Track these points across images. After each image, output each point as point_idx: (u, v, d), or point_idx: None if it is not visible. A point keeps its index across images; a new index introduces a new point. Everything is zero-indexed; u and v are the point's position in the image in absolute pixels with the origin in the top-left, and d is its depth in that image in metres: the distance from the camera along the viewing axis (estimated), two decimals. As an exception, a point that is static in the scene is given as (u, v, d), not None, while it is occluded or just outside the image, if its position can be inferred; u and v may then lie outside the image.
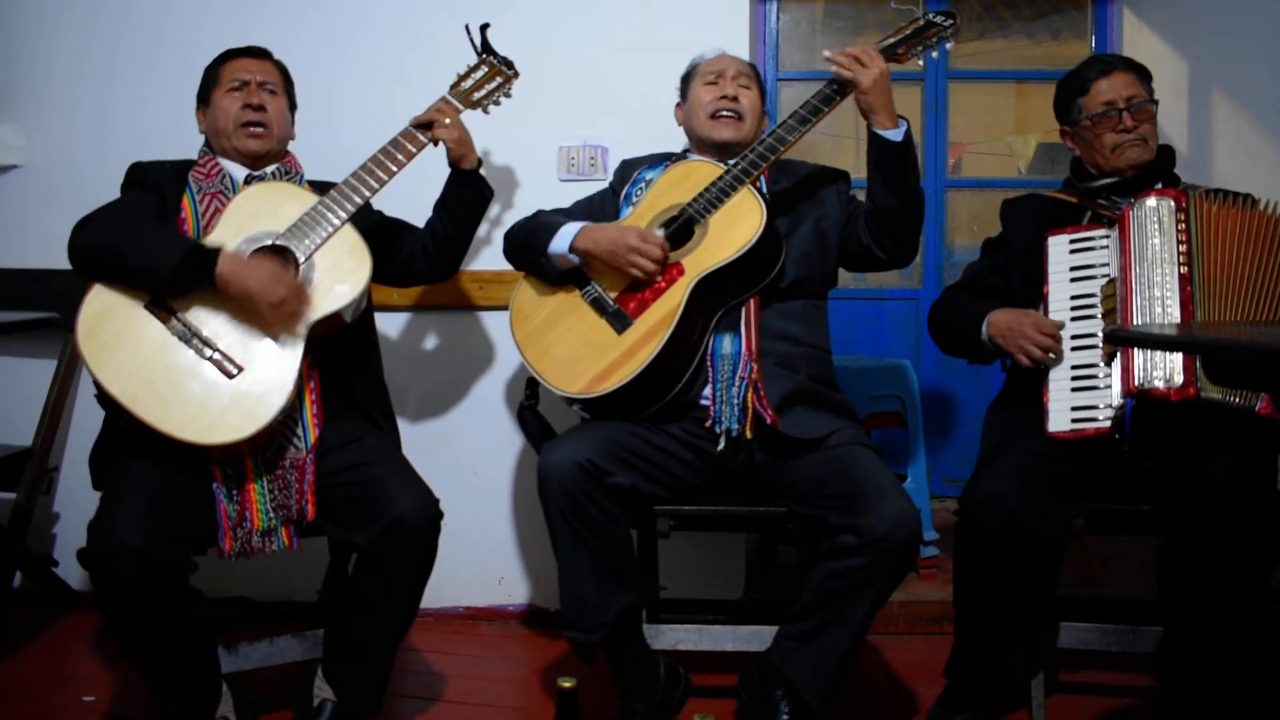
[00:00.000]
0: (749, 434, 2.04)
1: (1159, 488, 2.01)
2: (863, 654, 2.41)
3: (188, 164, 2.16)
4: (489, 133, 2.56)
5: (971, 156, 3.90)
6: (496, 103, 2.27)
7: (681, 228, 2.10)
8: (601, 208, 2.29)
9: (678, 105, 2.36)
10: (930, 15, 2.18)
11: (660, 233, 2.09)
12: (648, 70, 2.64)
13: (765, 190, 2.18)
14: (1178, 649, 2.03)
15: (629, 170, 2.32)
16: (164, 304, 1.93)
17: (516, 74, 2.29)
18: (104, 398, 1.91)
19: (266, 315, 1.92)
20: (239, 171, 2.15)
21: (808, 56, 3.87)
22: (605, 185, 2.40)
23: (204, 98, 2.20)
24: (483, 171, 2.20)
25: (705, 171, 2.14)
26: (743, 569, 2.82)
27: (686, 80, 2.34)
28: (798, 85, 3.79)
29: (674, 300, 2.04)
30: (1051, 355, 2.06)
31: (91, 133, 2.81)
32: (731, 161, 2.13)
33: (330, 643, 2.08)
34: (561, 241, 2.13)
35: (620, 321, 2.07)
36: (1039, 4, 3.77)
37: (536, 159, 2.76)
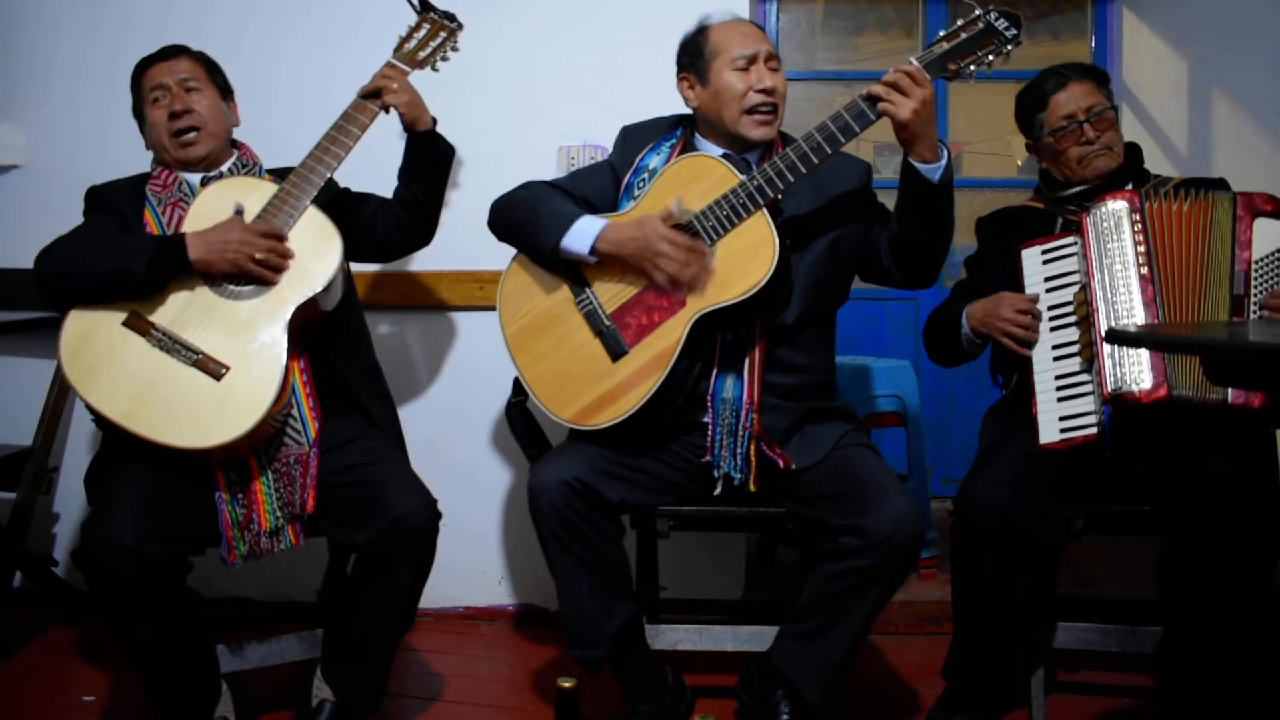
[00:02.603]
0: (753, 487, 2.00)
1: (1158, 488, 2.01)
2: (863, 654, 2.41)
3: (143, 178, 2.15)
4: (489, 132, 2.57)
5: (971, 156, 3.90)
6: (445, 58, 2.21)
7: None
8: (600, 191, 2.14)
9: (684, 80, 2.12)
10: (991, 17, 1.86)
11: (676, 207, 1.96)
12: (648, 70, 2.63)
13: (780, 200, 1.99)
14: (1177, 649, 2.03)
15: (630, 148, 2.16)
16: (142, 317, 1.93)
17: (460, 26, 2.23)
18: (100, 420, 1.91)
19: (256, 273, 1.94)
20: (195, 176, 2.14)
21: (808, 57, 3.88)
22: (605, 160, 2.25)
23: (137, 113, 2.18)
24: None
25: (718, 176, 1.97)
26: (743, 569, 2.82)
27: (697, 53, 2.08)
28: (797, 86, 3.79)
29: (673, 336, 1.95)
30: (1034, 333, 2.06)
31: (91, 133, 2.81)
32: (747, 175, 1.94)
33: (330, 643, 2.08)
34: (580, 241, 1.98)
35: (615, 346, 1.99)
36: (1039, 4, 3.77)
37: (536, 159, 2.75)
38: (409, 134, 2.14)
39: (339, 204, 2.14)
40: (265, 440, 1.96)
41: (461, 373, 2.82)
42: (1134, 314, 1.98)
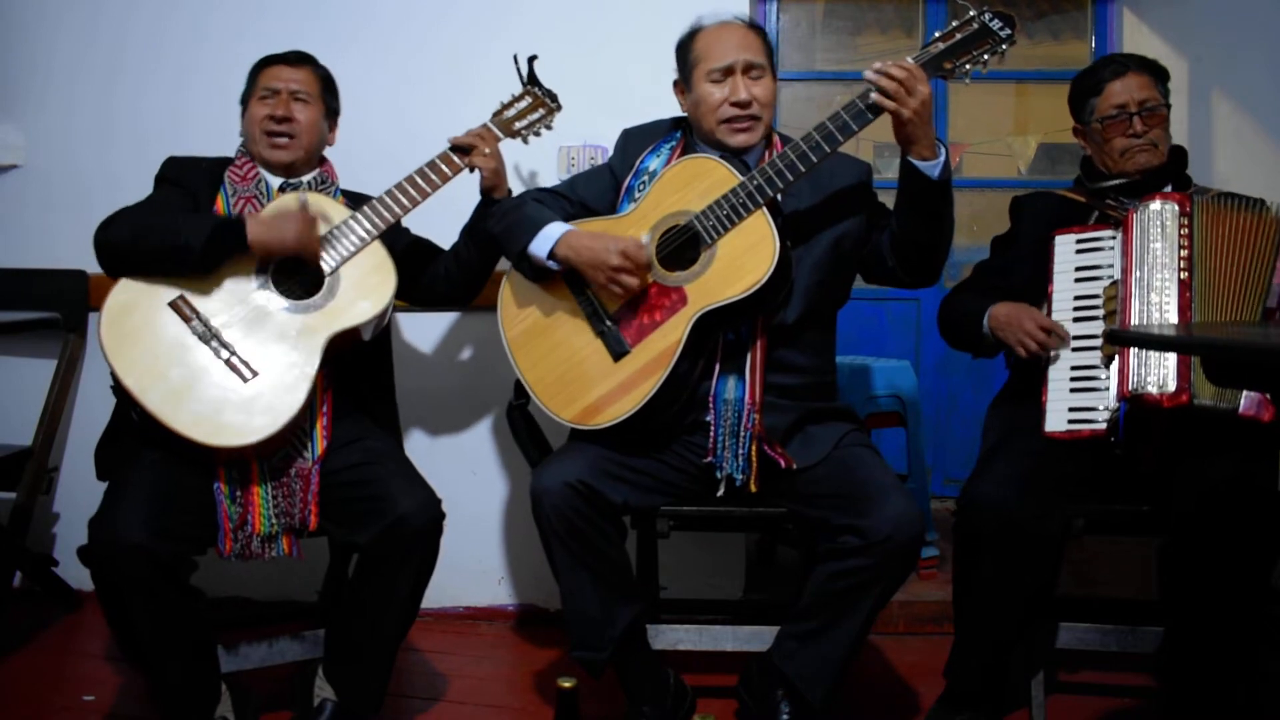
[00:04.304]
0: (754, 487, 2.00)
1: (1160, 489, 2.02)
2: (863, 654, 2.41)
3: (224, 162, 2.16)
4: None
5: (971, 156, 3.90)
6: (537, 134, 2.29)
7: (687, 242, 1.98)
8: (599, 195, 2.15)
9: (676, 85, 2.13)
10: (985, 17, 1.88)
11: (650, 245, 1.98)
12: (648, 70, 2.63)
13: (780, 199, 1.99)
14: (1178, 649, 2.03)
15: (630, 151, 2.16)
16: (188, 302, 1.95)
17: (559, 107, 2.30)
18: (119, 388, 1.92)
19: (309, 258, 1.98)
20: (275, 179, 2.16)
21: (807, 57, 3.87)
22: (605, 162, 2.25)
23: (244, 101, 2.20)
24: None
25: (718, 177, 1.97)
26: (743, 569, 2.82)
27: (684, 56, 2.09)
28: (797, 85, 3.80)
29: (674, 335, 1.95)
30: (1049, 350, 2.06)
31: (91, 133, 2.81)
32: (748, 175, 1.94)
33: (331, 643, 2.08)
34: (542, 245, 2.00)
35: (617, 346, 1.99)
36: (1039, 4, 3.77)
37: (536, 159, 2.75)
38: (484, 197, 2.20)
39: (409, 254, 2.20)
40: (272, 449, 1.96)
41: (463, 372, 2.83)
42: (1167, 316, 1.97)
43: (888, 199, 2.09)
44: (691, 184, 2.01)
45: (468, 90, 2.56)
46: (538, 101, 2.28)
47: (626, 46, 2.73)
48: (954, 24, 1.91)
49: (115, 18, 2.80)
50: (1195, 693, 2.00)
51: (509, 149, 2.72)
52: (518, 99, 2.28)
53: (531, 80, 2.30)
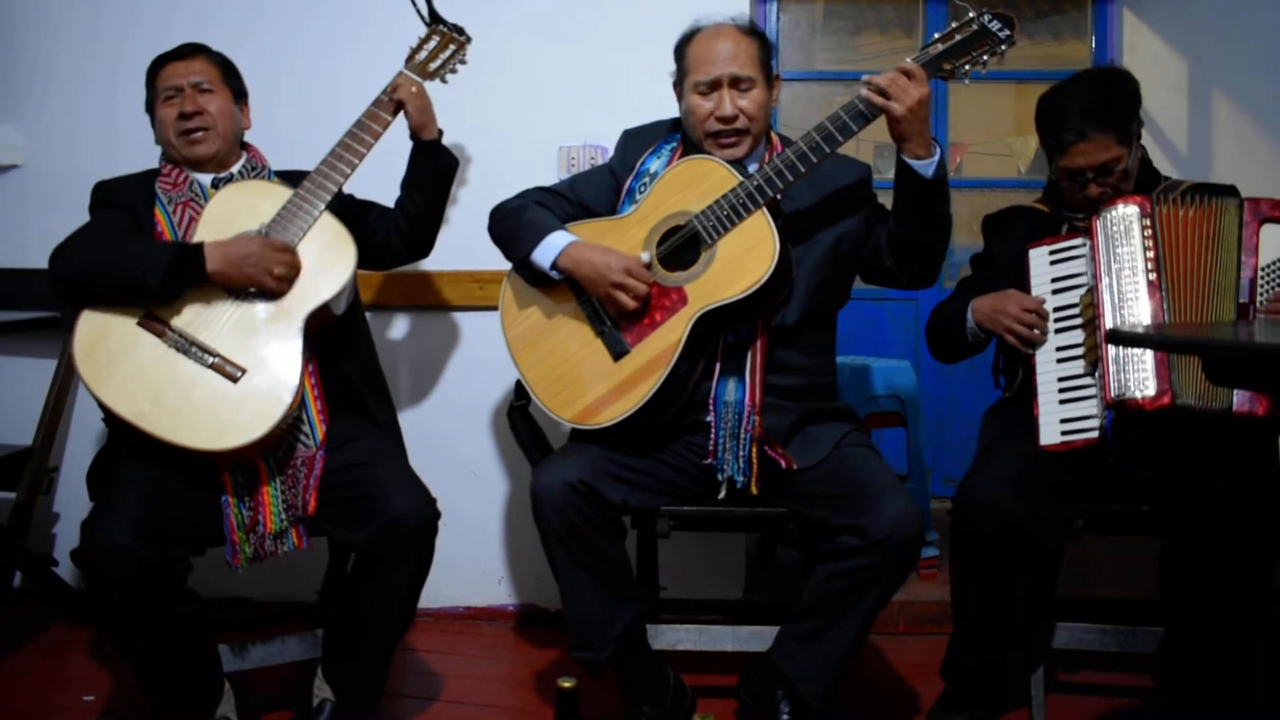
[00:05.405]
0: (754, 490, 2.00)
1: (1159, 490, 2.01)
2: (863, 654, 2.41)
3: (151, 174, 2.15)
4: (490, 133, 2.57)
5: (972, 157, 3.90)
6: (453, 71, 2.26)
7: (687, 243, 2.00)
8: (598, 195, 2.16)
9: (675, 89, 2.14)
10: (985, 18, 1.88)
11: (647, 256, 1.99)
12: (648, 70, 2.63)
13: (780, 200, 2.00)
14: (1178, 649, 2.03)
15: (631, 152, 2.17)
16: (157, 317, 1.93)
17: (469, 39, 2.27)
18: (111, 419, 1.91)
19: (273, 288, 1.95)
20: (205, 177, 2.14)
21: (807, 57, 3.88)
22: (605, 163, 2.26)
23: (150, 109, 2.19)
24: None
25: (718, 178, 1.98)
26: (743, 569, 2.82)
27: (679, 60, 2.11)
28: (797, 86, 3.80)
29: (674, 335, 1.96)
30: (1038, 332, 2.05)
31: (92, 133, 2.81)
32: (746, 175, 1.96)
33: (329, 643, 2.08)
34: (545, 254, 2.02)
35: (617, 346, 2.00)
36: (1039, 4, 3.77)
37: (536, 159, 2.75)
38: (414, 141, 2.17)
39: (347, 212, 2.16)
40: (275, 443, 1.96)
41: (461, 372, 2.83)
42: (1140, 319, 1.97)
43: (888, 199, 2.08)
44: (692, 185, 2.02)
45: (463, 87, 2.55)
46: (446, 38, 2.25)
47: (626, 46, 2.72)
48: (953, 25, 1.92)
49: (116, 17, 2.80)
50: (1195, 693, 2.00)
51: (510, 151, 2.74)
52: (425, 40, 2.24)
53: (434, 19, 2.26)
